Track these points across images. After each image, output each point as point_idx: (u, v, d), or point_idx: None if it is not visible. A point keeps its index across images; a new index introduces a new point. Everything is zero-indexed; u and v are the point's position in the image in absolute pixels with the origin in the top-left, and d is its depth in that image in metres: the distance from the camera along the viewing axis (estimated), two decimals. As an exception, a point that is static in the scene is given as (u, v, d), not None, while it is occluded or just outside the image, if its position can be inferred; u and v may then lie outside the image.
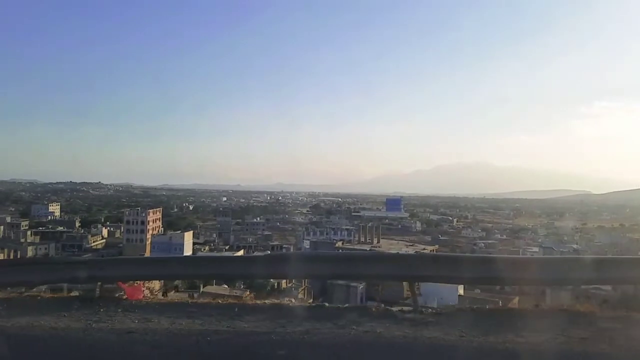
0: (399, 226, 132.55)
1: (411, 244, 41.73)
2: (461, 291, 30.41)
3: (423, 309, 6.40)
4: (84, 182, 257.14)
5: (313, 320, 5.92)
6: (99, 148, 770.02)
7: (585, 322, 5.64)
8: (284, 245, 69.15)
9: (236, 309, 6.51)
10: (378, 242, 38.98)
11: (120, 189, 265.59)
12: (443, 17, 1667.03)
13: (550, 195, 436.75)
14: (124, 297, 7.35)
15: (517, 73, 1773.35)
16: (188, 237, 63.52)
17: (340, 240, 50.62)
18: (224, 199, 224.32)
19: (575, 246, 77.04)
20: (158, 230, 76.75)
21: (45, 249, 65.06)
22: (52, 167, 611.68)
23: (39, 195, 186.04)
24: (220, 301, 7.25)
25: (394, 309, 6.46)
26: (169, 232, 70.16)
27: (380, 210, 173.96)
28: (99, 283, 7.34)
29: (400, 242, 45.09)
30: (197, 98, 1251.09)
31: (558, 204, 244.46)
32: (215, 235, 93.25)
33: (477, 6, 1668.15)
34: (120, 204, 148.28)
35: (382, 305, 6.85)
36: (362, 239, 40.30)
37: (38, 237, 79.14)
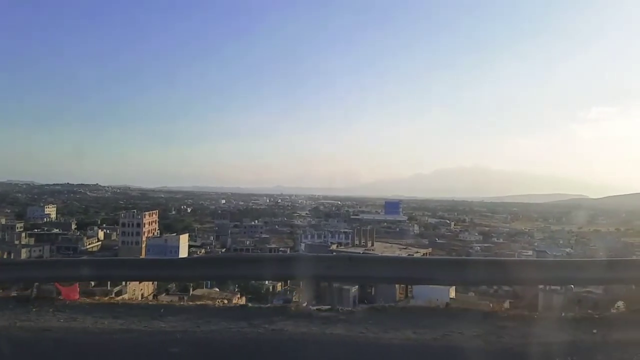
0: (397, 229, 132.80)
1: (405, 247, 41.71)
2: (453, 294, 30.35)
3: (340, 308, 6.70)
4: (82, 184, 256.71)
5: (230, 319, 6.15)
6: (97, 150, 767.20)
7: (487, 321, 6.00)
8: (281, 249, 69.20)
9: (162, 310, 6.75)
10: (372, 245, 39.02)
11: (118, 191, 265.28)
12: (443, 20, 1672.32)
13: (547, 199, 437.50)
14: (61, 297, 7.57)
15: (516, 77, 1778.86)
16: (183, 239, 63.50)
17: (336, 243, 50.69)
18: (223, 201, 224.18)
19: (568, 250, 77.46)
20: (154, 233, 76.65)
21: (40, 251, 64.82)
22: (50, 168, 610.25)
23: (36, 197, 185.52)
24: (155, 302, 7.69)
25: (313, 308, 6.79)
26: (165, 235, 70.08)
27: (379, 213, 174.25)
28: (36, 284, 7.58)
29: (394, 245, 45.17)
30: (197, 101, 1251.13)
31: (555, 208, 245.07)
32: (212, 237, 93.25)
33: (477, 11, 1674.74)
34: (118, 206, 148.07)
35: (304, 304, 7.17)
36: (357, 242, 40.43)
37: (33, 239, 78.89)
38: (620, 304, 8.36)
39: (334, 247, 42.00)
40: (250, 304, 7.51)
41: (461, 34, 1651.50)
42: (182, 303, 7.61)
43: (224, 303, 7.65)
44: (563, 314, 6.94)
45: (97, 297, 8.34)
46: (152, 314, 6.55)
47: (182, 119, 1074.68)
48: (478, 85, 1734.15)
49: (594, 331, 5.70)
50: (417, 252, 39.27)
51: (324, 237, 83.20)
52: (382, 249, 38.03)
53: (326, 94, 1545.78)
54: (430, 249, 51.57)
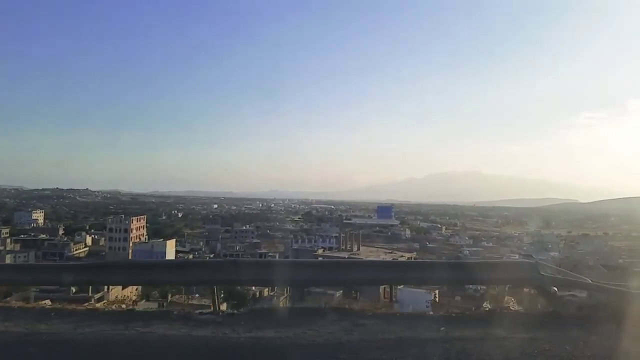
0: (389, 233, 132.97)
1: (390, 251, 41.66)
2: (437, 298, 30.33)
3: (222, 312, 6.92)
4: (71, 189, 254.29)
5: (111, 323, 6.26)
6: (87, 154, 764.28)
7: (350, 318, 6.29)
8: (269, 253, 68.80)
9: (52, 314, 6.82)
10: (358, 249, 38.96)
11: (108, 195, 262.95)
12: (437, 29, 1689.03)
13: (538, 203, 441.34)
14: None
15: (507, 84, 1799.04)
16: (170, 245, 63.01)
17: (322, 248, 50.60)
18: (215, 206, 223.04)
19: (552, 254, 78.22)
20: (140, 238, 75.94)
21: (25, 257, 63.76)
22: (39, 173, 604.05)
23: (24, 202, 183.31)
24: (52, 306, 7.69)
25: (197, 311, 7.03)
26: (151, 240, 69.48)
27: (371, 217, 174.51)
28: None
29: (380, 249, 45.11)
30: (189, 104, 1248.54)
31: (545, 213, 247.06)
32: (202, 243, 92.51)
33: (471, 19, 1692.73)
34: (108, 211, 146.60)
35: (186, 309, 7.42)
36: (343, 247, 40.37)
37: (19, 245, 77.72)
38: (486, 304, 8.81)
39: (320, 251, 41.87)
40: (136, 309, 7.53)
41: (455, 44, 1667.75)
42: (74, 307, 7.64)
43: (121, 307, 7.61)
44: (431, 312, 7.34)
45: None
46: (42, 318, 6.60)
47: (175, 123, 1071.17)
48: (471, 92, 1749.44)
49: (442, 329, 5.92)
50: (402, 255, 39.33)
51: (314, 241, 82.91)
52: (367, 253, 38.05)
53: (321, 100, 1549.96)
54: (415, 252, 51.61)
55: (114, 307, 7.51)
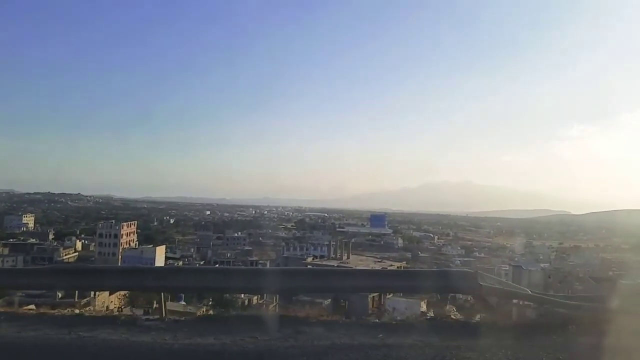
0: (382, 242, 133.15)
1: (379, 260, 41.72)
2: (424, 306, 30.32)
3: (168, 318, 6.94)
4: (63, 193, 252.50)
5: (56, 327, 6.28)
6: (80, 159, 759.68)
7: (291, 326, 6.42)
8: (260, 261, 68.61)
9: (2, 317, 6.88)
10: (348, 257, 38.99)
11: (100, 200, 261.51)
12: (431, 41, 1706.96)
13: (531, 214, 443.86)
14: None
15: (501, 96, 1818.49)
16: (160, 251, 62.65)
17: (312, 256, 50.61)
18: (208, 212, 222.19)
19: (543, 265, 78.63)
20: (130, 244, 75.46)
21: (13, 261, 63.11)
22: (31, 177, 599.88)
23: (15, 205, 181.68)
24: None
25: (144, 317, 7.12)
26: (141, 246, 69.06)
27: (364, 226, 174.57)
28: None
29: (369, 257, 45.12)
30: (184, 111, 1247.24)
31: (538, 224, 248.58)
32: (192, 250, 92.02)
33: (463, 32, 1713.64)
34: (99, 217, 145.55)
35: (135, 314, 7.49)
36: (333, 255, 40.41)
37: (7, 249, 76.91)
38: (431, 312, 8.95)
39: (309, 260, 41.86)
40: (86, 313, 7.55)
41: (448, 55, 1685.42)
42: (25, 311, 7.64)
43: (74, 312, 7.54)
44: (377, 320, 7.48)
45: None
46: None
47: (169, 130, 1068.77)
48: (465, 103, 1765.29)
49: (380, 335, 6.05)
50: (392, 265, 39.40)
51: (306, 249, 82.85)
52: (357, 261, 38.02)
53: (316, 108, 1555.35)
54: (405, 262, 51.68)
55: (66, 311, 7.47)
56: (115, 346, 5.56)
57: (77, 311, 7.59)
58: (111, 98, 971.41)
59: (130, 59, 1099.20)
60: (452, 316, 8.15)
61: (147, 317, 7.12)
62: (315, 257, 59.84)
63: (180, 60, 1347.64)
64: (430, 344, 5.63)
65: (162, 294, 7.22)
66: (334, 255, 40.36)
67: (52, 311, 7.47)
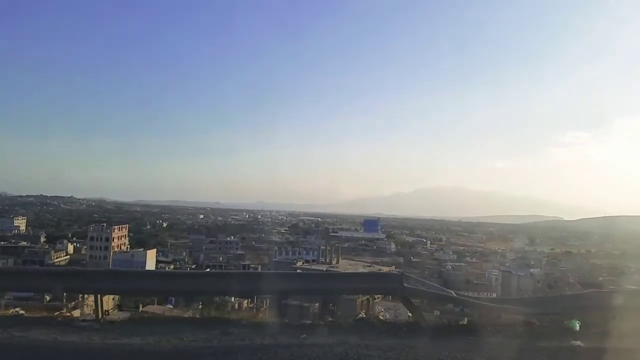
0: (374, 247, 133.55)
1: (369, 264, 42.17)
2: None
3: (103, 319, 7.11)
4: (55, 196, 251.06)
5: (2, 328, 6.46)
6: (73, 162, 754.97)
7: (222, 327, 6.63)
8: (251, 265, 68.71)
9: None
10: (337, 262, 39.38)
11: (93, 204, 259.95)
12: (424, 46, 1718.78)
13: (523, 220, 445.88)
14: None
15: (494, 102, 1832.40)
16: (151, 255, 62.62)
17: (302, 260, 50.97)
18: (201, 216, 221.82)
19: (534, 270, 79.35)
20: (121, 248, 75.31)
21: (3, 263, 62.78)
22: (23, 179, 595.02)
23: (7, 208, 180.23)
24: None
25: (81, 318, 7.32)
26: (132, 250, 69.01)
27: (358, 231, 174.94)
28: None
29: (359, 262, 45.56)
30: (178, 114, 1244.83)
31: (530, 229, 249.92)
32: (184, 253, 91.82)
33: (458, 39, 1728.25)
34: (92, 220, 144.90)
35: (71, 314, 7.72)
36: (323, 260, 40.80)
37: (-3, 252, 76.43)
38: (362, 313, 9.37)
39: (299, 264, 42.25)
40: (25, 314, 7.69)
41: (441, 63, 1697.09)
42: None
43: (17, 312, 7.77)
44: (309, 321, 7.70)
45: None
46: None
47: (163, 133, 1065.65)
48: (458, 108, 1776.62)
49: (303, 336, 6.26)
50: (381, 269, 39.88)
51: (298, 253, 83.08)
52: (346, 266, 38.44)
53: (311, 113, 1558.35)
54: (394, 266, 52.17)
55: (10, 312, 7.63)
56: (41, 346, 5.69)
57: (21, 312, 7.73)
58: (105, 101, 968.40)
59: (125, 63, 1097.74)
60: (381, 317, 8.47)
61: (83, 318, 7.27)
62: (307, 261, 60.16)
63: (176, 64, 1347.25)
64: (346, 342, 5.86)
65: (98, 295, 7.33)
66: (323, 260, 40.72)
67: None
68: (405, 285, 7.30)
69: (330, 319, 8.15)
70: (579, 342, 6.21)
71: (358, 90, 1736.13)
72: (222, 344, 5.90)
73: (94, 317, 7.21)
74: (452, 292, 8.39)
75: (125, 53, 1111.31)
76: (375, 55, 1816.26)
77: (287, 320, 7.83)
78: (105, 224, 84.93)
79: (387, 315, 8.67)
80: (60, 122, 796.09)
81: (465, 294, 8.54)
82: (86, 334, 6.19)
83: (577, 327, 6.88)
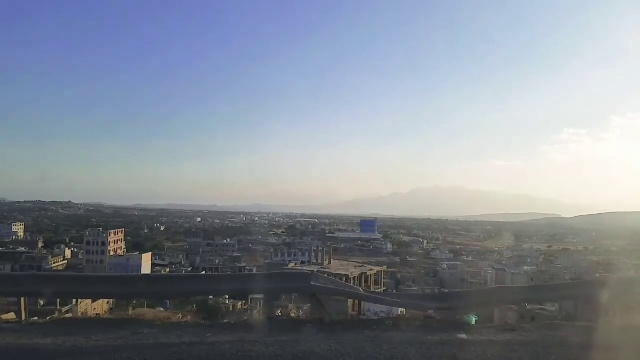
0: (371, 247, 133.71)
1: (361, 264, 42.79)
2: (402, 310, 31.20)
3: (26, 321, 7.31)
4: (54, 202, 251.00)
5: None
6: (71, 167, 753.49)
7: (135, 328, 6.84)
8: (247, 267, 69.25)
9: None
10: (329, 263, 40.04)
11: (91, 208, 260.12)
12: (421, 48, 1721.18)
13: (521, 218, 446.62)
14: None
15: (491, 101, 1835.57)
16: (146, 258, 63.11)
17: (294, 262, 51.60)
18: (199, 219, 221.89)
19: (529, 268, 79.72)
20: (117, 252, 75.79)
21: (1, 269, 63.24)
22: (21, 185, 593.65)
23: (5, 214, 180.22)
24: None
25: (4, 320, 7.59)
26: (127, 254, 69.50)
27: (355, 231, 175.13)
28: None
29: (351, 262, 46.21)
30: (176, 119, 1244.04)
31: (528, 227, 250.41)
32: (181, 256, 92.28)
33: (454, 38, 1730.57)
34: (90, 224, 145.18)
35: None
36: (315, 260, 41.54)
37: (-5, 257, 76.74)
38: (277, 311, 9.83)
39: (291, 265, 42.94)
40: None
41: (438, 62, 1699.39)
42: None
43: None
44: (226, 320, 7.97)
45: None
46: None
47: (161, 137, 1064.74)
48: (456, 109, 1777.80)
49: (208, 335, 6.55)
50: (372, 269, 40.51)
51: (294, 255, 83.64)
52: (338, 266, 39.11)
53: (307, 114, 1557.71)
54: (386, 266, 52.74)
55: None
56: None
57: None
58: (103, 107, 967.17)
59: (123, 70, 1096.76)
60: (292, 314, 8.89)
61: (7, 319, 7.49)
62: (303, 262, 60.65)
63: (173, 69, 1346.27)
64: (243, 339, 6.14)
65: (22, 298, 7.52)
66: (315, 261, 41.41)
67: None
68: (313, 283, 7.63)
69: (257, 317, 8.47)
70: (464, 335, 6.50)
71: (355, 91, 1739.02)
72: (126, 343, 6.07)
73: (16, 320, 7.45)
74: (360, 289, 8.81)
75: (123, 60, 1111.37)
76: (372, 57, 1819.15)
77: (221, 321, 8.20)
78: (101, 229, 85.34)
79: (300, 313, 9.01)
80: (58, 128, 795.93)
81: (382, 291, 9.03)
82: (3, 335, 6.31)
83: (473, 322, 7.31)
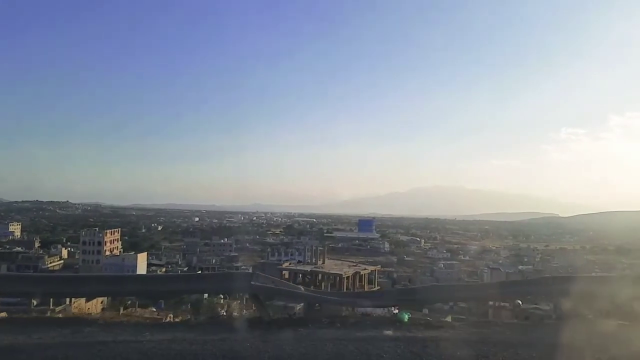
0: (368, 247, 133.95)
1: (354, 264, 42.94)
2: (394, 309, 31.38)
3: None
4: (51, 201, 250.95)
5: None
6: (69, 167, 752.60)
7: (77, 326, 6.95)
8: (242, 267, 69.35)
9: None
10: (323, 262, 40.21)
11: (89, 208, 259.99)
12: (421, 47, 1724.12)
13: (519, 217, 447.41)
14: None
15: (489, 101, 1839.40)
16: (142, 258, 63.26)
17: (290, 261, 51.80)
18: (196, 219, 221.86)
19: (525, 267, 79.96)
20: (112, 251, 75.84)
21: (-4, 269, 63.17)
22: (19, 185, 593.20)
23: (2, 214, 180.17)
24: None
25: None
26: (122, 254, 69.66)
27: (352, 231, 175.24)
28: None
29: (345, 262, 46.36)
30: (173, 118, 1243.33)
31: (526, 226, 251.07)
32: (178, 256, 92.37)
33: (453, 36, 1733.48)
34: (87, 224, 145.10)
35: None
36: (309, 260, 41.74)
37: (-8, 257, 76.70)
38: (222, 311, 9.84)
39: (286, 264, 43.12)
40: None
41: (437, 62, 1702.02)
42: None
43: None
44: (162, 319, 8.11)
45: None
46: None
47: (158, 137, 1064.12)
48: (455, 109, 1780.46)
49: (146, 333, 6.62)
50: (365, 268, 40.68)
51: (291, 255, 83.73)
52: (332, 266, 39.28)
53: (305, 114, 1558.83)
54: (380, 266, 52.83)
55: None
56: None
57: None
58: (101, 106, 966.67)
59: (121, 70, 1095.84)
60: (235, 314, 8.91)
61: None
62: (300, 262, 60.63)
63: (172, 69, 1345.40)
64: (174, 338, 6.27)
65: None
66: (309, 260, 41.66)
67: None
68: (253, 283, 7.72)
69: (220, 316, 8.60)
70: (390, 332, 6.70)
71: (354, 91, 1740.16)
72: (58, 341, 6.13)
73: None
74: (301, 288, 8.94)
75: (121, 60, 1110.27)
76: (370, 57, 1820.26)
77: (163, 321, 8.35)
78: (97, 229, 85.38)
79: (245, 312, 9.14)
80: (56, 128, 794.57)
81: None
82: None
83: (406, 319, 7.44)
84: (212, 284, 8.68)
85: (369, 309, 8.69)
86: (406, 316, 7.51)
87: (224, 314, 10.40)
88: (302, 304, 10.98)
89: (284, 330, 6.78)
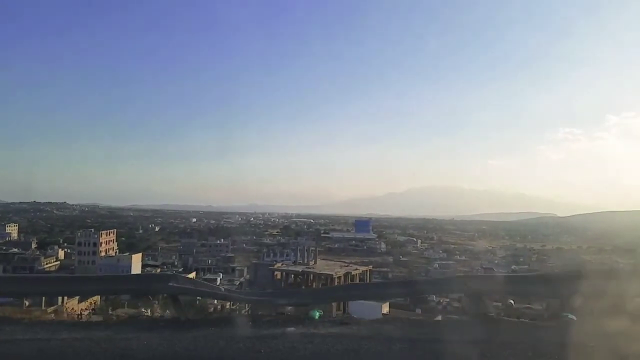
0: (365, 247, 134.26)
1: (346, 264, 43.25)
2: (386, 309, 31.93)
3: None
4: (49, 202, 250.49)
5: None
6: (66, 167, 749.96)
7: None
8: (237, 268, 69.65)
9: None
10: (315, 262, 40.51)
11: (86, 209, 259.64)
12: (417, 46, 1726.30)
13: (517, 217, 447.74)
14: None
15: (487, 101, 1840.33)
16: (137, 259, 63.53)
17: (284, 261, 52.11)
18: (194, 220, 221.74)
19: (520, 267, 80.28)
20: (108, 252, 76.11)
21: (-10, 271, 63.27)
22: (16, 186, 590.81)
23: (0, 215, 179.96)
24: None
25: None
26: (117, 255, 69.94)
27: (349, 231, 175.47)
28: None
29: (336, 262, 46.66)
30: (170, 118, 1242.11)
31: (523, 226, 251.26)
32: (174, 257, 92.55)
33: (451, 36, 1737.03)
34: (84, 225, 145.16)
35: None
36: (301, 260, 42.06)
37: (-12, 258, 76.80)
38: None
39: (277, 265, 43.39)
40: None
41: (434, 60, 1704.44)
42: None
43: None
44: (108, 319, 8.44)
45: None
46: None
47: (155, 138, 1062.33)
48: (452, 108, 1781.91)
49: (63, 332, 6.72)
50: (357, 269, 40.98)
51: (286, 255, 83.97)
52: (323, 266, 39.55)
53: (301, 114, 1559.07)
54: (371, 265, 53.20)
55: None
56: None
57: None
58: (99, 108, 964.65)
59: (118, 69, 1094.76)
60: (156, 313, 9.26)
61: None
62: (294, 262, 60.93)
63: (168, 67, 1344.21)
64: (85, 337, 6.41)
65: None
66: (300, 260, 41.94)
67: None
68: (171, 284, 7.94)
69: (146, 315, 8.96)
70: (292, 329, 6.85)
71: (351, 91, 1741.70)
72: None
73: None
74: (222, 289, 9.30)
75: (118, 59, 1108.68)
76: (368, 57, 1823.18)
77: (94, 320, 8.64)
78: (93, 230, 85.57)
79: (168, 312, 9.41)
80: (53, 128, 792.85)
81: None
82: None
83: (317, 316, 7.71)
84: (130, 285, 8.95)
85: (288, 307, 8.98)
86: (317, 314, 7.77)
87: (148, 314, 10.70)
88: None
89: (195, 330, 6.91)
